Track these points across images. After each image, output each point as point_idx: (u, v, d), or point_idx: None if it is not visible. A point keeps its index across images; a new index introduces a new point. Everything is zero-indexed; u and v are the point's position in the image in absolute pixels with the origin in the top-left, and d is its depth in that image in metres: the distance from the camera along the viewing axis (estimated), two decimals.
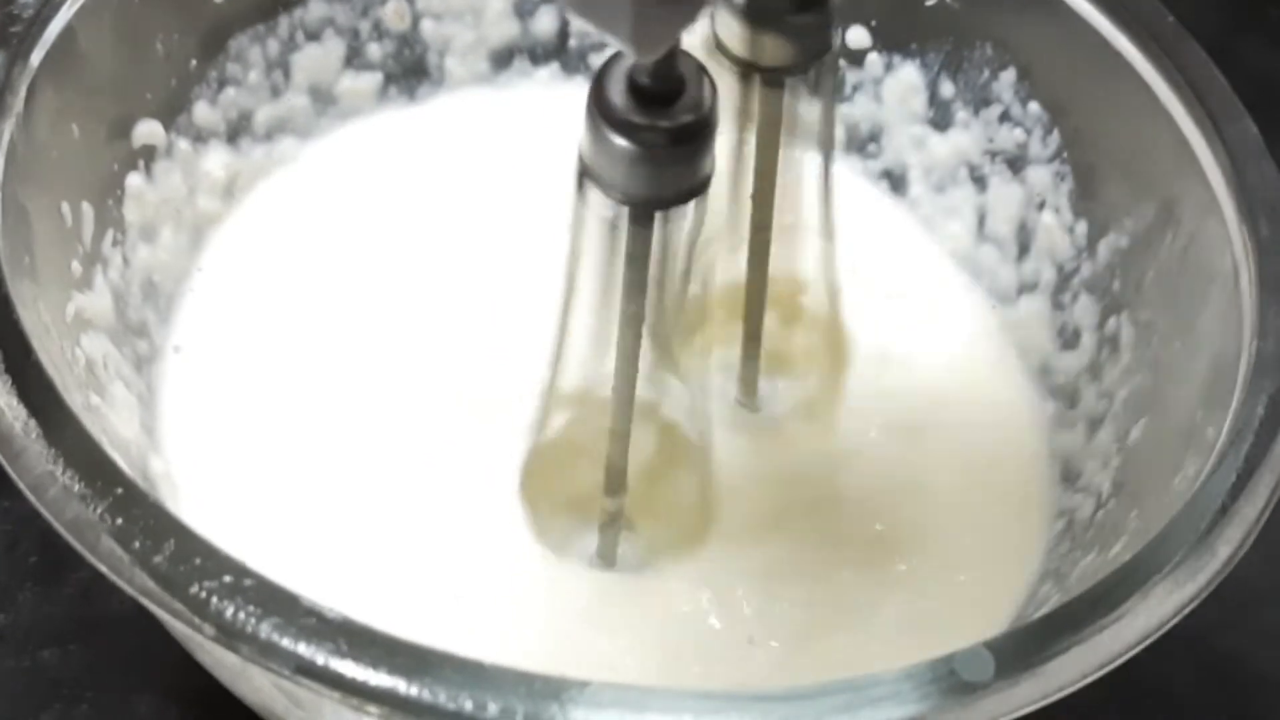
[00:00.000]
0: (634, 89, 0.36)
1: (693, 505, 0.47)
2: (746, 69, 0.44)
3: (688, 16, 0.33)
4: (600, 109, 0.36)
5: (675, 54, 0.36)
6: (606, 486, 0.45)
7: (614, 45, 0.34)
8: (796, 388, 0.52)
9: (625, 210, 0.38)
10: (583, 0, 0.33)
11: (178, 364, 0.50)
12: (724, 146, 0.44)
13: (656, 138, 0.36)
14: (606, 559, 0.47)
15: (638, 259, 0.39)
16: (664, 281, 0.40)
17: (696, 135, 0.37)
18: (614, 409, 0.43)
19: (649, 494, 0.46)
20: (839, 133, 0.59)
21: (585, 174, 0.38)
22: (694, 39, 0.50)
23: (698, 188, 0.39)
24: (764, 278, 0.48)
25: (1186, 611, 0.37)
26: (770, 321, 0.50)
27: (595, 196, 0.38)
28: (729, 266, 0.48)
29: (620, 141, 0.36)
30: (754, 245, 0.47)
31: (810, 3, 0.43)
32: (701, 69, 0.37)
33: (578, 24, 0.60)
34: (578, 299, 0.42)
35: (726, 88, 0.43)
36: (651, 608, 0.46)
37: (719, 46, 0.43)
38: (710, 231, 0.45)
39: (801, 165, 0.47)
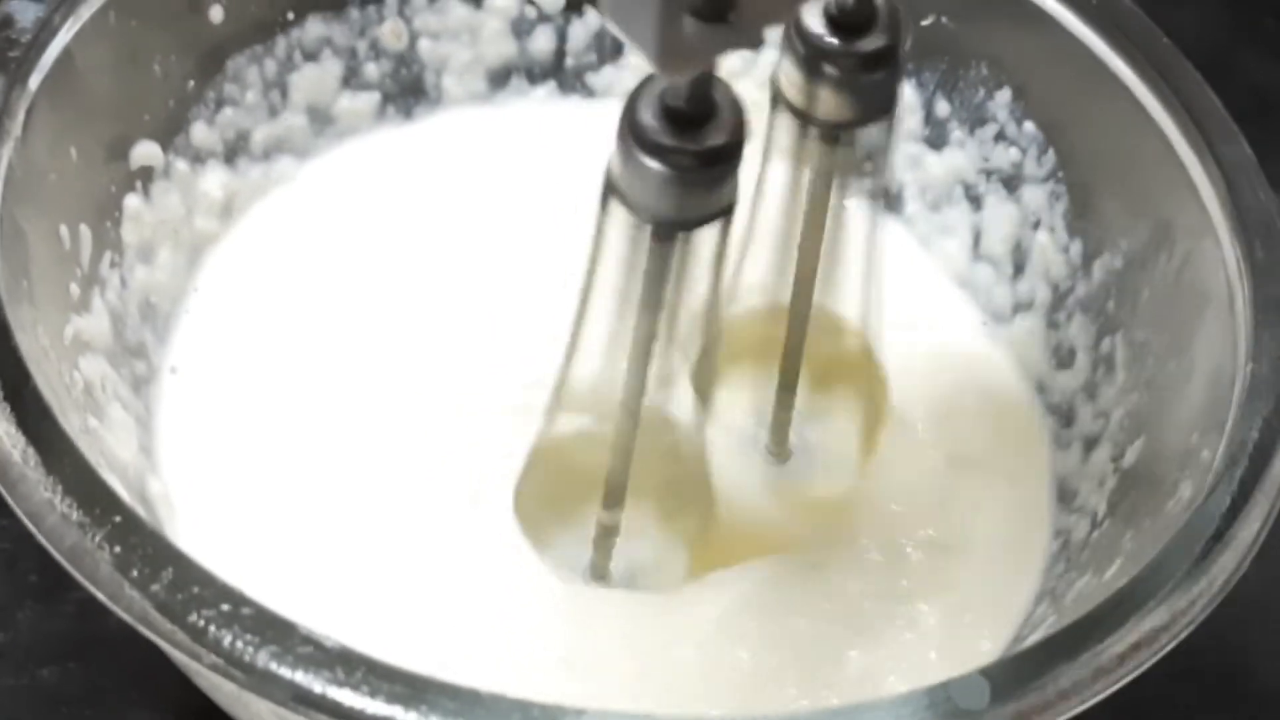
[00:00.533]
0: (665, 110, 0.36)
1: (689, 526, 0.47)
2: (804, 119, 0.43)
3: (720, 46, 0.33)
4: (630, 128, 0.37)
5: (707, 78, 0.36)
6: (605, 500, 0.45)
7: (642, 60, 0.34)
8: (829, 441, 0.51)
9: (648, 229, 0.38)
10: (616, 11, 0.33)
11: (175, 385, 0.50)
12: (778, 189, 0.45)
13: (683, 160, 0.36)
14: (599, 574, 0.47)
15: (656, 277, 0.39)
16: (680, 303, 0.40)
17: (722, 159, 0.37)
18: (620, 422, 0.43)
19: (646, 512, 0.46)
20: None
21: (611, 191, 0.38)
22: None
23: (721, 211, 0.39)
24: (804, 329, 0.48)
25: (1181, 637, 0.37)
26: (808, 371, 0.49)
27: (619, 214, 0.38)
28: (768, 312, 0.48)
29: (648, 161, 0.37)
30: (796, 294, 0.47)
31: (874, 63, 0.42)
32: (733, 94, 0.37)
33: (574, 44, 0.60)
34: (592, 314, 0.42)
35: (785, 130, 0.44)
36: (651, 628, 0.46)
37: (778, 93, 0.43)
38: (752, 275, 0.47)
39: (851, 213, 0.47)
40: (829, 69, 0.42)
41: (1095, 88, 0.51)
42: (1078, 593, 0.44)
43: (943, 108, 0.57)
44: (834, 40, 0.41)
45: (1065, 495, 0.50)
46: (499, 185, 0.57)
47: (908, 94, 0.57)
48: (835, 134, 0.44)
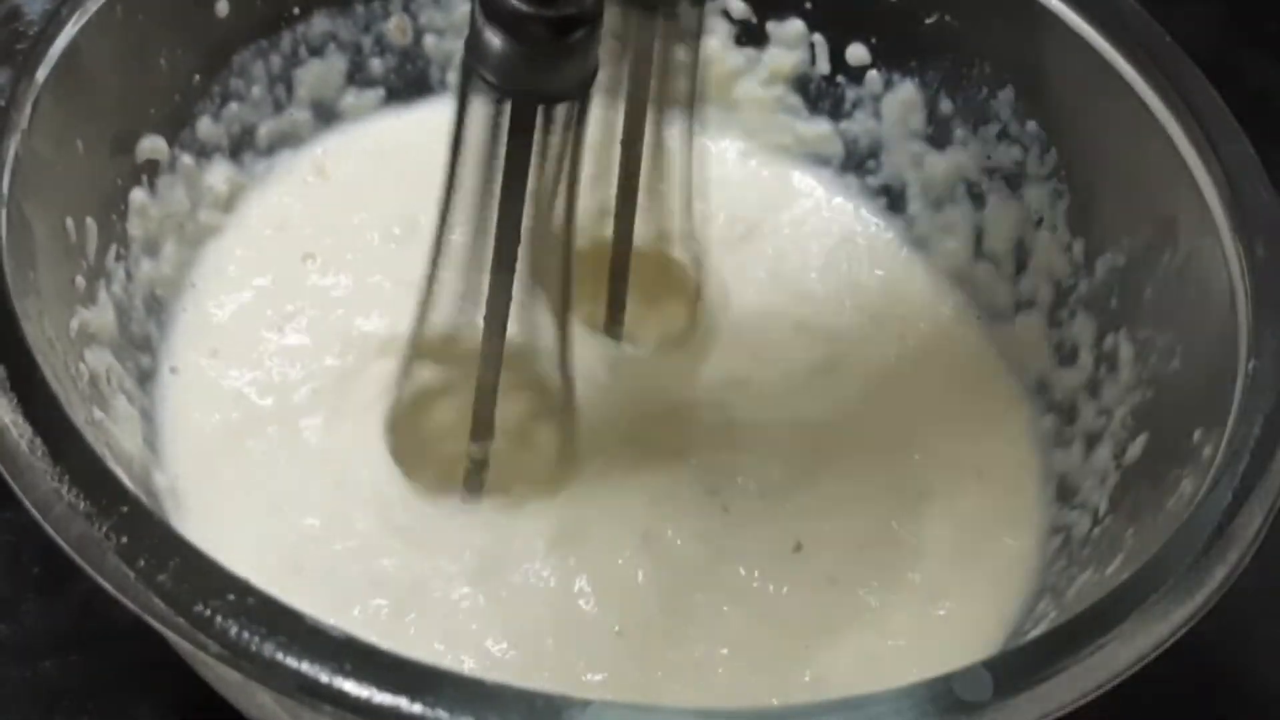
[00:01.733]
0: None
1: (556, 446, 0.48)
2: None
3: None
4: (483, 1, 0.37)
5: None
6: (473, 431, 0.45)
7: None
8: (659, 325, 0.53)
9: (507, 108, 0.39)
10: None
11: (175, 383, 0.50)
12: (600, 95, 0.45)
13: (540, 30, 0.37)
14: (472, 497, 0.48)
15: (518, 161, 0.40)
16: (542, 190, 0.41)
17: (578, 29, 0.37)
18: (484, 337, 0.43)
19: (515, 434, 0.47)
20: (838, 150, 0.60)
21: (469, 69, 0.38)
22: None
23: (581, 85, 0.39)
24: (630, 222, 0.49)
25: (1182, 632, 0.37)
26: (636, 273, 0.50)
27: (478, 97, 0.39)
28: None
29: (503, 32, 0.37)
30: (621, 195, 0.48)
31: None
32: None
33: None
34: (451, 214, 0.42)
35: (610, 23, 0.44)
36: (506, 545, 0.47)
37: None
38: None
39: (673, 95, 0.48)
40: None
41: (1098, 86, 0.51)
42: (1079, 588, 0.45)
43: (946, 106, 0.57)
44: None
45: (1066, 492, 0.51)
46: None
47: (910, 92, 0.57)
48: (653, 10, 0.45)
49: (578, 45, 0.38)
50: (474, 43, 0.38)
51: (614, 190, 0.49)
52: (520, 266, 0.43)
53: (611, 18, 0.44)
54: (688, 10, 0.46)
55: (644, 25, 0.45)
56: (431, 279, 0.44)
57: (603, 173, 0.49)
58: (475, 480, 0.47)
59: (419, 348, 0.46)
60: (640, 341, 0.53)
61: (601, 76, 0.45)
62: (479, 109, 0.39)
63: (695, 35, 0.47)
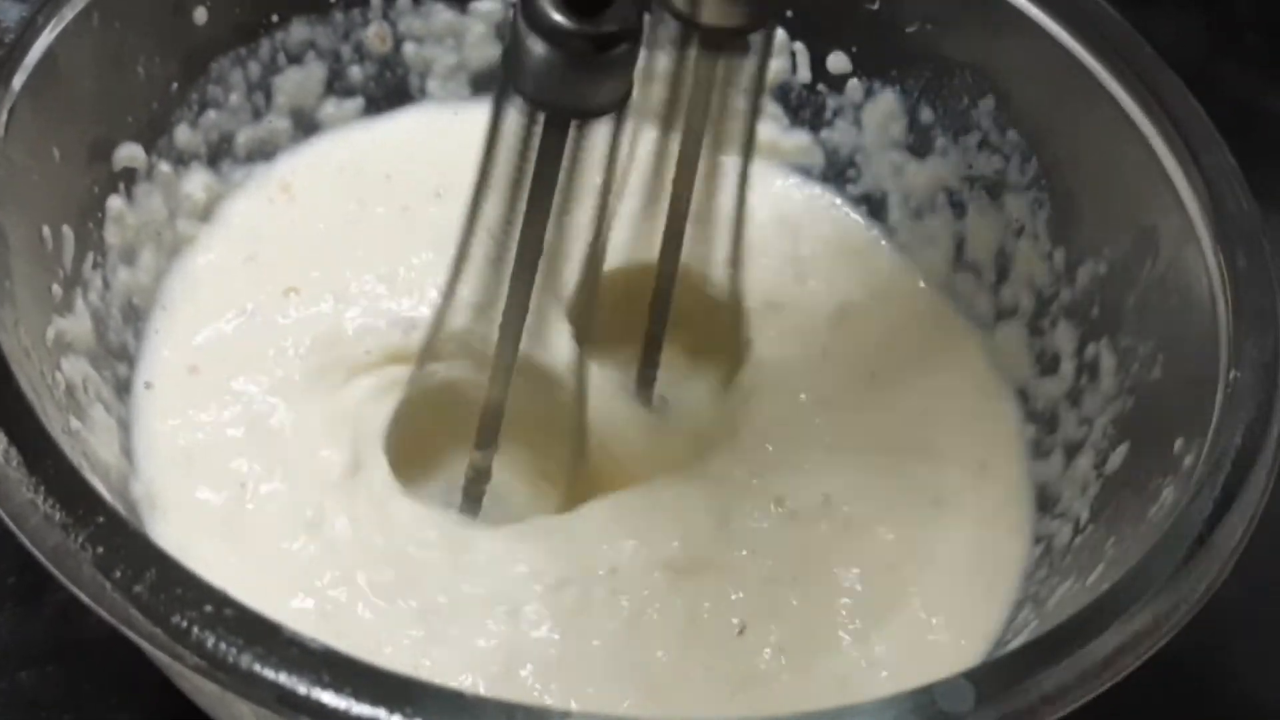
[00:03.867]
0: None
1: (561, 467, 0.48)
2: (686, 26, 0.44)
3: None
4: (527, 11, 0.37)
5: None
6: (478, 439, 0.45)
7: None
8: (696, 383, 0.52)
9: (541, 119, 0.39)
10: None
11: (151, 396, 0.50)
12: (651, 133, 0.46)
13: (580, 44, 0.37)
14: (469, 513, 0.47)
15: (547, 174, 0.40)
16: (568, 208, 0.41)
17: (619, 45, 0.37)
18: (498, 347, 0.43)
19: (518, 453, 0.47)
20: (819, 158, 0.60)
21: (506, 79, 0.38)
22: None
23: (616, 103, 0.39)
24: (674, 270, 0.48)
25: (1163, 642, 0.37)
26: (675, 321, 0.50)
27: (513, 108, 0.39)
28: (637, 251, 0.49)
29: (543, 45, 0.37)
30: (668, 234, 0.48)
31: None
32: None
33: None
34: (478, 222, 0.42)
35: (662, 41, 0.44)
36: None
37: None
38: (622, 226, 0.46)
39: (725, 163, 0.47)
40: None
41: (1079, 96, 0.51)
42: (1060, 597, 0.45)
43: (926, 115, 0.57)
44: None
45: (1047, 501, 0.51)
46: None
47: (891, 100, 0.57)
48: (717, 42, 0.44)
49: (616, 62, 0.38)
50: (512, 54, 0.38)
51: (660, 224, 0.49)
52: (546, 288, 0.43)
53: (670, 58, 0.45)
54: (750, 58, 0.46)
55: (704, 64, 0.45)
56: (453, 285, 0.44)
57: (649, 206, 0.49)
58: (475, 489, 0.47)
59: (434, 352, 0.46)
60: (673, 393, 0.52)
61: (658, 102, 0.45)
62: (513, 121, 0.39)
63: (758, 80, 0.46)
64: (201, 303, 0.52)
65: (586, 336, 0.45)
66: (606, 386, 0.50)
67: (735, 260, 0.50)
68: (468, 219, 0.42)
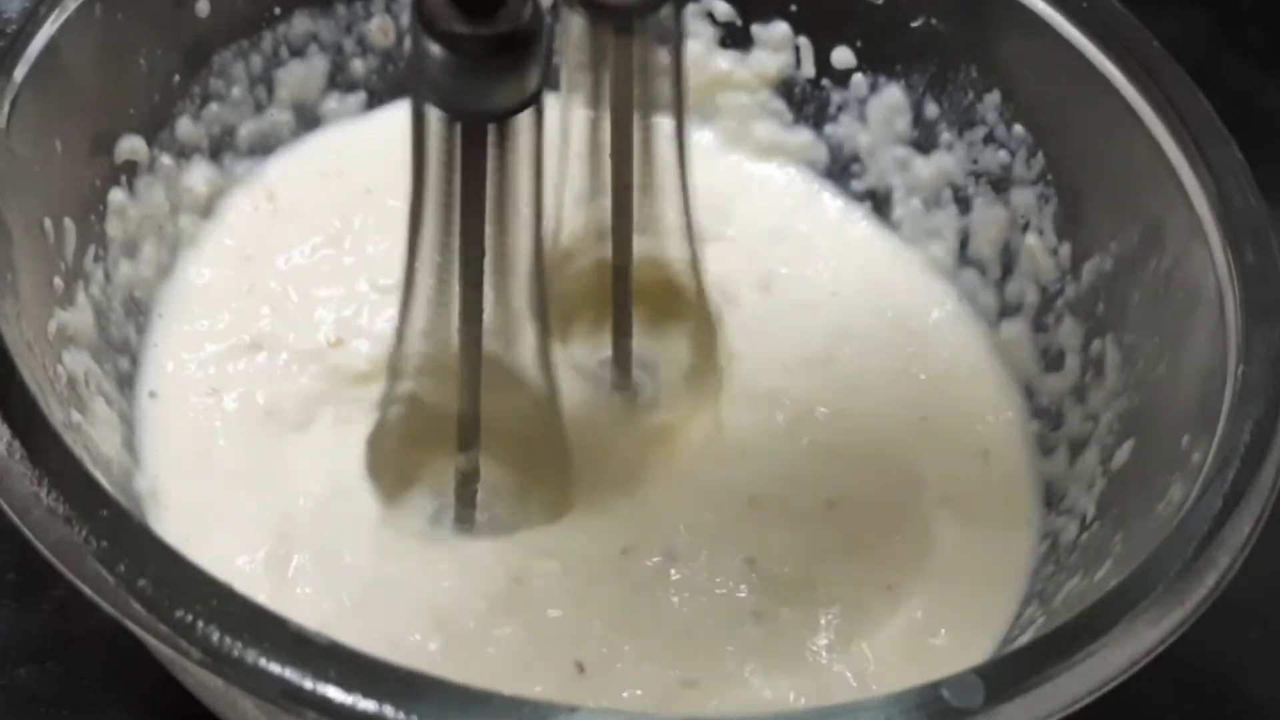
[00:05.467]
0: None
1: (552, 467, 0.47)
2: (595, 10, 0.43)
3: None
4: (422, 18, 0.36)
5: None
6: (460, 442, 0.45)
7: None
8: (667, 372, 0.52)
9: (458, 128, 0.38)
10: None
11: (155, 402, 0.50)
12: (577, 95, 0.45)
13: (475, 47, 0.36)
14: (465, 522, 0.47)
15: (475, 179, 0.39)
16: (504, 208, 0.40)
17: (517, 44, 0.37)
18: (461, 353, 0.43)
19: (504, 453, 0.46)
20: (823, 154, 0.59)
21: (416, 85, 0.38)
22: None
23: (527, 101, 0.38)
24: (629, 239, 0.48)
25: (1174, 639, 0.37)
26: (640, 305, 0.50)
27: (431, 113, 0.38)
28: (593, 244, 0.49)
29: (441, 51, 0.36)
30: (616, 206, 0.47)
31: None
32: None
33: (560, 42, 0.60)
34: (421, 236, 0.41)
35: (575, 30, 0.44)
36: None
37: None
38: (572, 190, 0.46)
39: (656, 110, 0.47)
40: None
41: (1085, 90, 0.51)
42: (1067, 594, 0.44)
43: (931, 109, 0.57)
44: None
45: (1053, 497, 0.51)
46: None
47: (896, 95, 0.57)
48: (628, 23, 0.44)
49: (517, 61, 0.37)
50: (416, 62, 0.38)
51: (608, 204, 0.48)
52: (501, 286, 0.42)
53: (580, 31, 0.44)
54: (666, 14, 0.45)
55: (620, 38, 0.44)
56: (407, 299, 0.43)
57: (598, 187, 0.48)
58: (466, 492, 0.46)
59: (398, 368, 0.45)
60: (651, 377, 0.52)
61: (584, 84, 0.45)
62: (433, 127, 0.39)
63: (677, 37, 0.46)
64: (195, 316, 0.52)
65: (551, 329, 0.45)
66: (579, 377, 0.50)
67: (690, 233, 0.50)
68: (409, 230, 0.42)
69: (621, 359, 0.50)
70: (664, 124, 0.47)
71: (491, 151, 0.39)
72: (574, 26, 0.44)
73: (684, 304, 0.52)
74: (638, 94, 0.46)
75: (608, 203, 0.48)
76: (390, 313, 0.51)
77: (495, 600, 0.45)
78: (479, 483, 0.46)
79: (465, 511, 0.47)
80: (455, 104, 0.38)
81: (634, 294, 0.49)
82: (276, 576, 0.46)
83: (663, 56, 0.45)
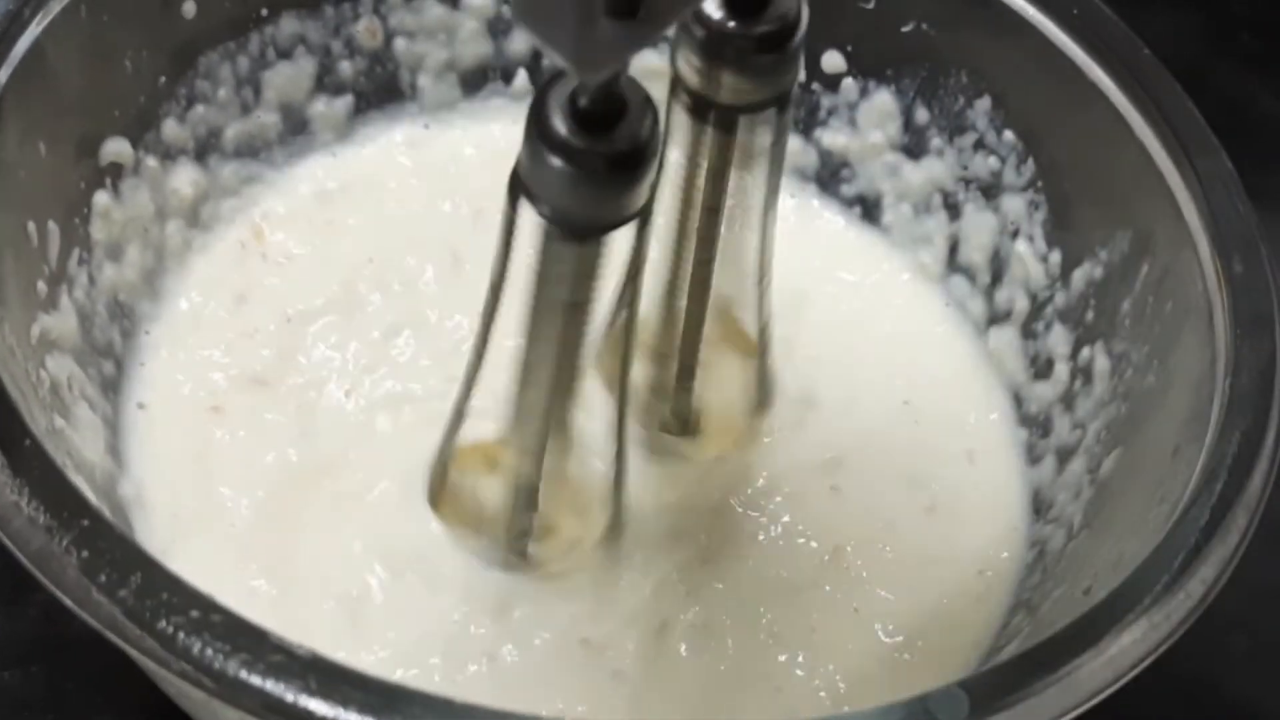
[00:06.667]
0: (575, 110, 0.35)
1: (600, 519, 0.47)
2: (701, 104, 0.43)
3: (636, 43, 0.33)
4: (539, 128, 0.36)
5: (619, 78, 0.35)
6: (517, 501, 0.44)
7: (556, 62, 0.33)
8: (719, 420, 0.51)
9: (556, 230, 0.38)
10: (529, 11, 0.32)
11: (145, 417, 0.50)
12: (672, 178, 0.44)
13: (594, 161, 0.36)
14: (512, 565, 0.46)
15: (566, 280, 0.39)
16: (590, 306, 0.40)
17: (635, 162, 0.36)
18: (531, 426, 0.42)
19: (560, 505, 0.46)
20: (812, 159, 0.59)
21: (521, 190, 0.37)
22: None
23: (632, 215, 0.38)
24: (703, 311, 0.48)
25: (1161, 651, 0.37)
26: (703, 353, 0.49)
27: (528, 213, 0.38)
28: (666, 295, 0.48)
29: (558, 163, 0.36)
30: (695, 278, 0.47)
31: (773, 44, 0.42)
32: (647, 96, 0.36)
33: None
34: (501, 314, 0.41)
35: (680, 119, 0.43)
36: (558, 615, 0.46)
37: (676, 78, 0.43)
38: (653, 261, 0.45)
39: (749, 197, 0.46)
40: (728, 51, 0.41)
41: (1075, 97, 0.50)
42: (1054, 603, 0.44)
43: (922, 115, 0.56)
44: (733, 23, 0.41)
45: (1041, 506, 0.50)
46: (476, 190, 0.57)
47: (886, 100, 0.57)
48: (733, 119, 0.43)
49: (639, 177, 0.37)
50: (527, 167, 0.37)
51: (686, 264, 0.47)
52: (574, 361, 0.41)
53: (683, 126, 0.44)
54: (770, 114, 0.44)
55: (720, 136, 0.44)
56: (477, 362, 0.43)
57: (669, 253, 0.47)
58: (519, 545, 0.46)
59: (464, 411, 0.45)
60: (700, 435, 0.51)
61: (678, 170, 0.44)
62: (527, 225, 0.38)
63: (779, 134, 0.45)
64: (190, 346, 0.52)
65: (622, 399, 0.44)
66: (639, 442, 0.49)
67: (761, 308, 0.50)
68: (488, 303, 0.41)
69: (680, 409, 0.50)
70: (755, 200, 0.46)
71: (586, 256, 0.38)
72: (677, 120, 0.44)
73: (739, 355, 0.51)
74: (731, 184, 0.45)
75: (682, 277, 0.47)
76: (389, 369, 0.52)
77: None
78: (530, 538, 0.46)
79: (514, 559, 0.46)
80: (562, 213, 0.37)
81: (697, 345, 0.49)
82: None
83: (761, 151, 0.45)
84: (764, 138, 0.44)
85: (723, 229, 0.46)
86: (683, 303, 0.48)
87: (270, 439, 0.49)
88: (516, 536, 0.46)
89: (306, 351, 0.52)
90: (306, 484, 0.48)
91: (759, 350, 0.51)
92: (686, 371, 0.49)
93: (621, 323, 0.42)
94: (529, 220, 0.38)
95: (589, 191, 0.36)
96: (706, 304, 0.48)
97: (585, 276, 0.38)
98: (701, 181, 0.45)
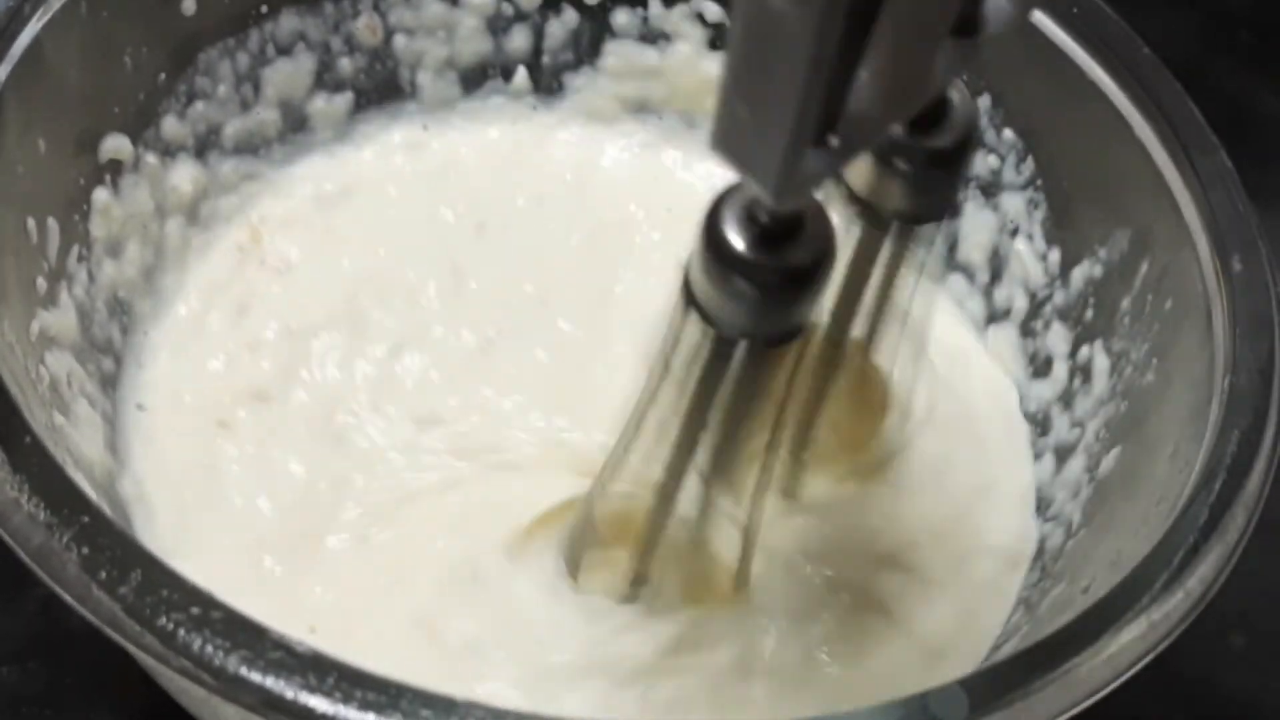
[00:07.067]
0: (751, 223, 0.34)
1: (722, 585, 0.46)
2: (868, 214, 0.42)
3: (832, 169, 0.32)
4: (713, 240, 0.34)
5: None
6: (639, 554, 0.44)
7: (753, 190, 0.32)
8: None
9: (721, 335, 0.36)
10: (727, 144, 0.30)
11: (143, 418, 0.50)
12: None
13: (770, 277, 0.35)
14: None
15: (717, 381, 0.38)
16: (745, 407, 0.39)
17: (808, 278, 0.35)
18: (657, 503, 0.42)
19: (682, 568, 0.45)
20: None
21: (690, 300, 0.36)
22: None
23: (799, 329, 0.37)
24: (825, 392, 0.46)
25: (1160, 650, 0.37)
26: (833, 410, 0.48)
27: (695, 321, 0.36)
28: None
29: (733, 277, 0.34)
30: (823, 357, 0.46)
31: (943, 160, 0.40)
32: (820, 206, 0.35)
33: (551, 42, 0.60)
34: (658, 401, 0.40)
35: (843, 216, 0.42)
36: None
37: (843, 185, 0.42)
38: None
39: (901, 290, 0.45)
40: (900, 164, 0.40)
41: (1075, 95, 0.50)
42: (1053, 601, 0.44)
43: None
44: (905, 136, 0.39)
45: (1040, 504, 0.51)
46: (475, 197, 0.57)
47: None
48: (898, 225, 0.42)
49: (812, 291, 0.36)
50: (699, 278, 0.36)
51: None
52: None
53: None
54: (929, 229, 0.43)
55: (873, 233, 0.42)
56: (633, 433, 0.42)
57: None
58: (634, 592, 0.45)
59: (614, 476, 0.44)
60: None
61: None
62: (694, 331, 0.37)
63: (929, 245, 0.44)
64: (192, 355, 0.52)
65: (758, 508, 0.43)
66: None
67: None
68: (645, 395, 0.40)
69: (795, 477, 0.49)
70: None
71: (748, 365, 0.37)
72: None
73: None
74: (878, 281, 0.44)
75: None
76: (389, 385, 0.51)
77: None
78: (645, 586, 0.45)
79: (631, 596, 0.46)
80: (734, 328, 0.36)
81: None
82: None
83: (912, 260, 0.44)
84: (920, 243, 0.43)
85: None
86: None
87: (281, 457, 0.49)
88: (634, 583, 0.45)
89: (310, 367, 0.52)
90: (324, 504, 0.48)
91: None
92: (801, 442, 0.48)
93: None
94: (695, 327, 0.37)
95: (770, 305, 0.35)
96: (828, 387, 0.46)
97: (739, 381, 0.38)
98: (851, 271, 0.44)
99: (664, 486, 0.41)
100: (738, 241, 0.34)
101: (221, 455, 0.49)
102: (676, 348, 0.38)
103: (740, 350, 0.37)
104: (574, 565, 0.45)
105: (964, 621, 0.47)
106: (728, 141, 0.30)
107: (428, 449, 0.49)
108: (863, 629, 0.47)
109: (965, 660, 0.46)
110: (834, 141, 0.30)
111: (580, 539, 0.45)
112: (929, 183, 0.40)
